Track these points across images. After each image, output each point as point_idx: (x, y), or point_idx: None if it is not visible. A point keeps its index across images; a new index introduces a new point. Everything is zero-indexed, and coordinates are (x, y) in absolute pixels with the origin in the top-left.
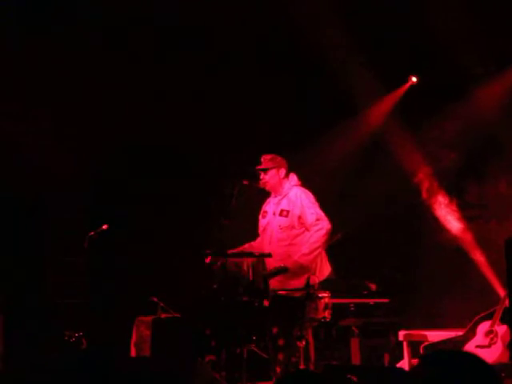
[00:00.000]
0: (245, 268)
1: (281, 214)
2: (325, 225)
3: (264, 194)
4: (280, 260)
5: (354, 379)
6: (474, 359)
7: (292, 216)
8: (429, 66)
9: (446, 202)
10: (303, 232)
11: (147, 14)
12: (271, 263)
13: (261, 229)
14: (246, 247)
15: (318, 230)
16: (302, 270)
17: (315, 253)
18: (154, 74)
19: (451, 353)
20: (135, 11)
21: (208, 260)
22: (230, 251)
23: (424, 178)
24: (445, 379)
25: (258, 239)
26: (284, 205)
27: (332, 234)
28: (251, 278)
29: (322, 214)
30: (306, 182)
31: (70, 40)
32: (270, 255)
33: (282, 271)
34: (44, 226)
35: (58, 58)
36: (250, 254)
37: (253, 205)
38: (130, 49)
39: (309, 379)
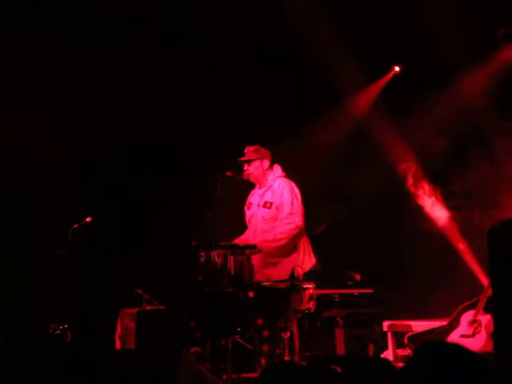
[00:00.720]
0: (229, 260)
1: (264, 206)
2: (296, 220)
3: (249, 186)
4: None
5: (339, 370)
6: (464, 351)
7: (274, 207)
8: (412, 55)
9: (431, 191)
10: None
11: (146, 14)
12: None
13: (246, 220)
14: (237, 241)
15: (287, 224)
16: (280, 253)
17: (278, 243)
18: (152, 73)
19: (441, 345)
20: (134, 10)
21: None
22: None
23: (409, 168)
24: (438, 373)
25: (246, 231)
26: (268, 196)
27: (315, 226)
28: (236, 270)
29: (298, 209)
30: (290, 174)
31: (69, 39)
32: (254, 247)
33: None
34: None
35: (56, 57)
36: (235, 246)
37: (238, 196)
38: (129, 48)
39: (293, 371)
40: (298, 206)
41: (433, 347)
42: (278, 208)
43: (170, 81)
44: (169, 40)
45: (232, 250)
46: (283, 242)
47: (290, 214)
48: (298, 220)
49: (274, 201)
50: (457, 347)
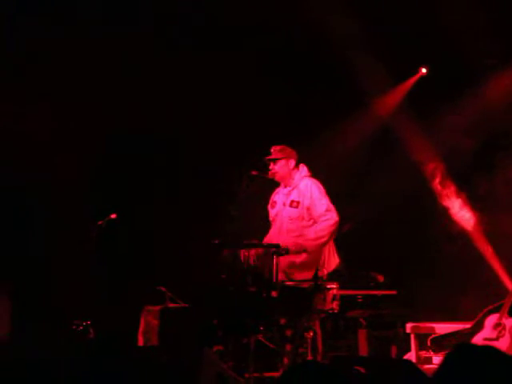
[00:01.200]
0: (254, 258)
1: (291, 205)
2: (334, 216)
3: (273, 185)
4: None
5: (362, 371)
6: (499, 354)
7: (302, 207)
8: (439, 57)
9: (456, 193)
10: (312, 224)
11: (145, 10)
12: None
13: (270, 219)
14: (265, 240)
15: (326, 220)
16: (309, 259)
17: (320, 241)
18: (155, 72)
19: (475, 348)
20: (133, 6)
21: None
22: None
23: (434, 170)
24: (475, 376)
25: (271, 230)
26: (294, 195)
27: (341, 225)
28: (260, 269)
29: (331, 205)
30: (315, 174)
31: (69, 36)
32: (278, 245)
33: (283, 253)
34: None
35: (56, 55)
36: (258, 245)
37: (262, 195)
38: (131, 47)
39: (316, 370)
40: (330, 202)
41: (467, 349)
42: (308, 208)
43: (188, 80)
44: (171, 39)
45: (268, 249)
46: (325, 238)
47: (327, 210)
48: (335, 215)
49: (301, 200)
50: (491, 349)
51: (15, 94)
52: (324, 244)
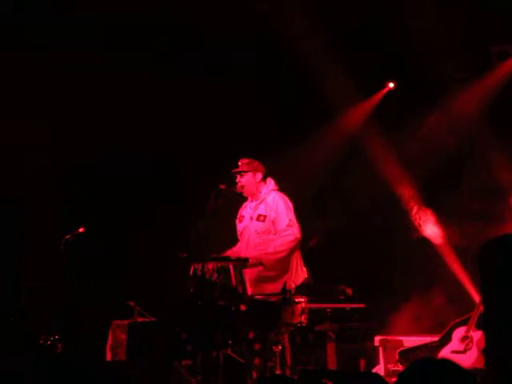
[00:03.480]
0: (222, 272)
1: (258, 219)
2: (295, 232)
3: (241, 199)
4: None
5: None
6: (456, 367)
7: (268, 221)
8: (406, 72)
9: (423, 207)
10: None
11: (140, 17)
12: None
13: (238, 233)
14: (229, 253)
15: (286, 236)
16: (277, 271)
17: (278, 256)
18: (143, 80)
19: (433, 361)
20: (129, 15)
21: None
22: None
23: (400, 184)
24: None
25: (238, 244)
26: (261, 210)
27: (307, 240)
28: (228, 283)
29: (294, 221)
30: (282, 188)
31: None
32: (246, 260)
33: (241, 264)
34: (22, 226)
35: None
36: (227, 259)
37: (230, 209)
38: (125, 55)
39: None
40: (294, 218)
41: (424, 363)
42: (273, 222)
43: (167, 93)
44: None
45: (229, 263)
46: (283, 254)
47: (288, 226)
48: (296, 232)
49: (267, 214)
50: (447, 363)
51: None
52: (282, 259)
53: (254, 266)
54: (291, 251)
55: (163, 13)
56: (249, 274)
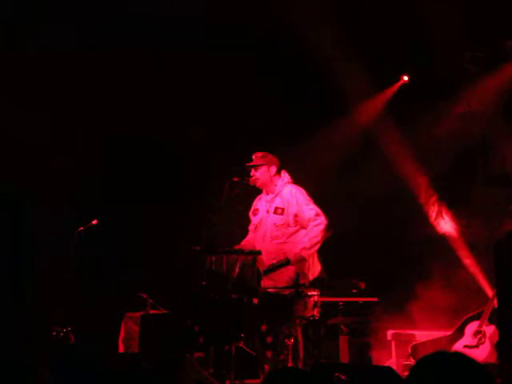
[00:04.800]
0: (235, 265)
1: (275, 212)
2: (323, 220)
3: (254, 192)
4: (274, 258)
5: (343, 378)
6: (469, 361)
7: (287, 214)
8: (421, 65)
9: (437, 201)
10: (298, 230)
11: (136, 9)
12: (263, 260)
13: (252, 226)
14: (241, 245)
15: (317, 225)
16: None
17: (315, 247)
18: (142, 71)
19: (445, 355)
20: (124, 5)
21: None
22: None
23: (415, 178)
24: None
25: (249, 236)
26: (278, 202)
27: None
28: (241, 276)
29: (319, 209)
30: (296, 181)
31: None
32: (259, 253)
33: (285, 264)
34: (33, 220)
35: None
36: (240, 252)
37: (244, 202)
38: (123, 48)
39: (296, 377)
40: (317, 206)
41: (436, 357)
42: (296, 215)
43: (174, 83)
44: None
45: (247, 256)
46: (319, 244)
47: (317, 214)
48: (324, 219)
49: (285, 207)
50: (460, 356)
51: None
52: (318, 248)
53: (298, 262)
54: (323, 239)
55: None
56: (262, 266)
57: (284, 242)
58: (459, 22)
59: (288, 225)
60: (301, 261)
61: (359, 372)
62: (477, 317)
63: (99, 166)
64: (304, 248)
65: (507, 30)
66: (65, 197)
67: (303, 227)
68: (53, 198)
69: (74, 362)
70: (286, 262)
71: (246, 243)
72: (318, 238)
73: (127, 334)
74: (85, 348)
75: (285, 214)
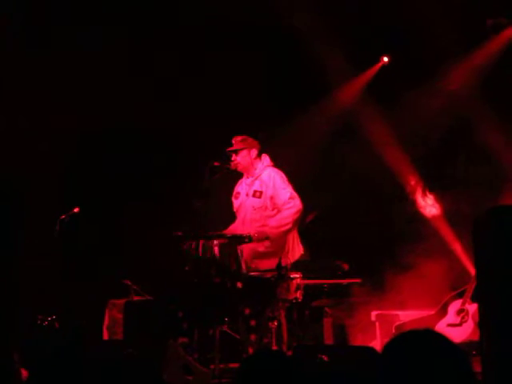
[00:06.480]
0: (217, 249)
1: (254, 195)
2: (297, 203)
3: (237, 176)
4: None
5: (325, 359)
6: (442, 339)
7: (265, 197)
8: (401, 46)
9: (420, 181)
10: (276, 214)
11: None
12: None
13: (234, 210)
14: (225, 231)
15: (289, 208)
16: (273, 248)
17: (283, 228)
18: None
19: (418, 333)
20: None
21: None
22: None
23: (397, 159)
24: (412, 359)
25: (236, 221)
26: (257, 186)
27: (304, 214)
28: (222, 260)
29: (294, 193)
30: (279, 164)
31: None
32: (240, 236)
33: (246, 241)
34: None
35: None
36: (221, 235)
37: (225, 186)
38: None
39: (273, 358)
40: (294, 190)
41: (407, 335)
42: (272, 197)
43: (159, 72)
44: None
45: (231, 240)
46: (288, 226)
47: (290, 198)
48: (298, 203)
49: (263, 190)
50: (431, 333)
51: None
52: (287, 231)
53: (261, 240)
54: (295, 223)
55: None
56: (245, 250)
57: (263, 225)
58: (440, 2)
59: (266, 208)
60: (264, 239)
61: (342, 353)
62: (460, 295)
63: (80, 151)
64: (271, 227)
65: (487, 8)
66: (45, 185)
67: (279, 210)
68: (36, 186)
69: (57, 349)
70: (248, 240)
71: (235, 227)
72: (288, 220)
73: (111, 321)
74: (69, 335)
75: (263, 197)
